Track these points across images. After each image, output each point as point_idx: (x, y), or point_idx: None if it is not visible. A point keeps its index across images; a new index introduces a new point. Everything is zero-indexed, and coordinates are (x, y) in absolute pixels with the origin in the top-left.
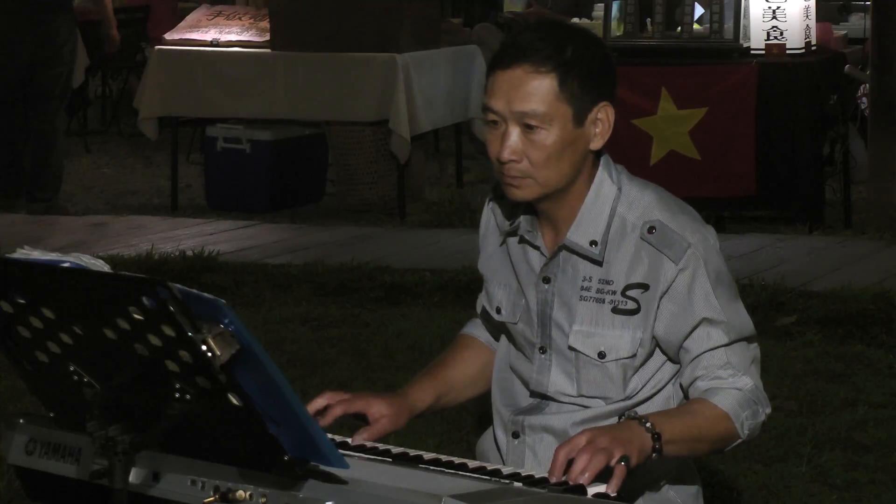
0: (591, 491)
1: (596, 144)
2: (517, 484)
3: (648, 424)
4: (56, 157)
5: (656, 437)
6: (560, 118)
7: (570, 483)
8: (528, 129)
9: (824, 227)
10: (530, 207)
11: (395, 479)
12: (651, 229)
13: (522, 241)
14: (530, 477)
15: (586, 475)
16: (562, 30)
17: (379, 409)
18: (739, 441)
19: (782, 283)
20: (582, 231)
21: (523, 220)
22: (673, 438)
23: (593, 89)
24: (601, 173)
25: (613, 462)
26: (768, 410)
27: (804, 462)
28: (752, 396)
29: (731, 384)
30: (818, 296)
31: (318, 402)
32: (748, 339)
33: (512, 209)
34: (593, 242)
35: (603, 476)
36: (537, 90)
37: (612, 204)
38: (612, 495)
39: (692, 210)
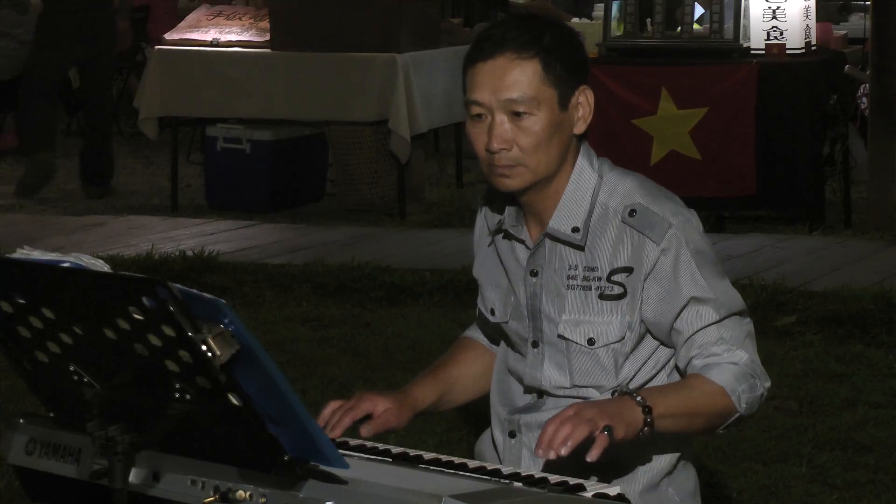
0: (591, 491)
1: (579, 128)
2: (517, 484)
3: (639, 398)
4: (109, 141)
5: (647, 410)
6: (547, 102)
7: (553, 453)
8: (515, 116)
9: (824, 227)
10: (515, 202)
11: (395, 479)
12: (632, 212)
13: (508, 236)
14: (530, 477)
15: (568, 444)
16: (533, 18)
17: (383, 405)
18: (738, 415)
19: (782, 283)
20: (563, 218)
21: (507, 214)
22: (666, 413)
23: (574, 72)
24: (581, 161)
25: (597, 433)
26: (767, 384)
27: (804, 462)
28: (748, 370)
29: (726, 359)
30: (818, 296)
31: (325, 414)
32: (739, 314)
33: (499, 209)
34: (575, 229)
35: (600, 467)
36: (523, 75)
37: (594, 191)
38: (590, 461)
39: (674, 195)
